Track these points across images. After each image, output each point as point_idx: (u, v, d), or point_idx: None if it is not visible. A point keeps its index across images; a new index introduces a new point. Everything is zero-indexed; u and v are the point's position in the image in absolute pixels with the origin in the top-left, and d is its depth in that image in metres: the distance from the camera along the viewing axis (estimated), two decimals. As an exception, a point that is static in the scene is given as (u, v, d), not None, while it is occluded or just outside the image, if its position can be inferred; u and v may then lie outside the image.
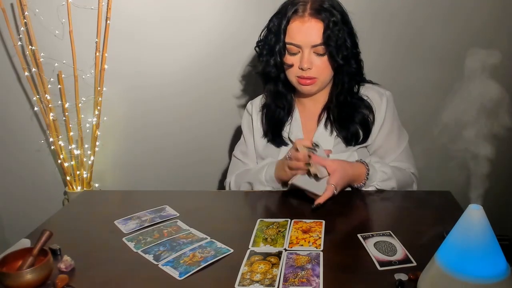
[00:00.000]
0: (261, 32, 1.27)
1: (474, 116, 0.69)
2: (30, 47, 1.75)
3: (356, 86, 1.28)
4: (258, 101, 1.39)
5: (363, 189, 1.19)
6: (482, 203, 0.66)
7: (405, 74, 1.78)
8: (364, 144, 1.26)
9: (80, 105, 1.82)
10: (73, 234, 1.02)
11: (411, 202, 1.17)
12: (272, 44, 1.22)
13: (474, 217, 0.65)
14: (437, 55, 1.76)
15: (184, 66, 1.84)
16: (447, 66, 1.76)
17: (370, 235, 0.94)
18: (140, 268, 0.86)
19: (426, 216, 1.05)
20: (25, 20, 1.72)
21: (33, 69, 1.77)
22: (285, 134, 1.32)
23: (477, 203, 0.66)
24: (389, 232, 0.95)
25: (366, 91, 1.28)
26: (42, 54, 1.76)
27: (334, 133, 1.26)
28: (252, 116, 1.38)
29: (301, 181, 1.10)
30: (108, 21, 1.74)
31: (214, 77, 1.85)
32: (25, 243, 0.93)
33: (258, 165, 1.34)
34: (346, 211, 1.14)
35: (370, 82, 1.32)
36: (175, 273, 0.83)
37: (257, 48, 1.30)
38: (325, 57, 1.18)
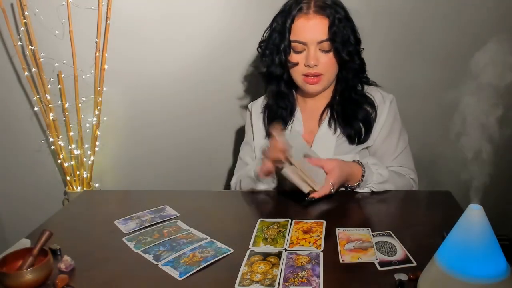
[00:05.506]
0: (264, 32, 1.28)
1: (474, 116, 0.69)
2: (30, 47, 1.75)
3: (360, 85, 1.29)
4: (260, 102, 1.40)
5: (358, 190, 1.18)
6: (482, 203, 0.66)
7: (405, 74, 1.78)
8: (366, 145, 1.26)
9: (80, 105, 1.82)
10: (73, 234, 1.02)
11: (411, 202, 1.17)
12: (277, 43, 1.23)
13: (474, 217, 0.65)
14: (437, 55, 1.76)
15: (184, 66, 1.84)
16: (448, 66, 1.76)
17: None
18: (140, 268, 0.86)
19: (426, 216, 1.05)
20: (25, 20, 1.72)
21: (33, 69, 1.77)
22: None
23: (477, 203, 0.66)
24: (389, 232, 0.95)
25: (370, 91, 1.29)
26: (42, 54, 1.76)
27: (337, 133, 1.26)
28: (252, 117, 1.39)
29: (290, 173, 1.06)
30: (108, 21, 1.74)
31: (214, 77, 1.84)
32: (25, 243, 0.93)
33: (253, 162, 1.35)
34: (347, 211, 1.14)
35: (374, 83, 1.33)
36: (175, 273, 0.83)
37: (259, 49, 1.31)
38: (331, 54, 1.20)
